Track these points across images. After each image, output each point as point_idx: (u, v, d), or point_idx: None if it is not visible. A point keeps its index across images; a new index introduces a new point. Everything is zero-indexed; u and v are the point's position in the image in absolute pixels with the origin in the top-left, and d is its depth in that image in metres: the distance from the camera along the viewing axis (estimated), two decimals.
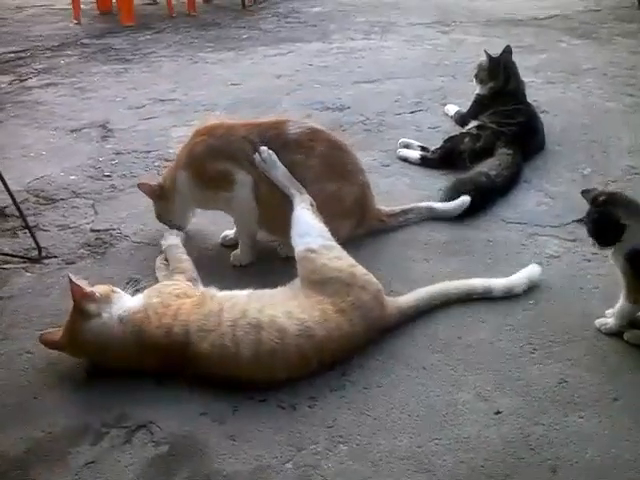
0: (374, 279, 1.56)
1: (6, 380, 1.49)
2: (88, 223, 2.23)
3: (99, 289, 1.47)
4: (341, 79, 3.75)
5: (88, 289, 1.45)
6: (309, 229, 1.64)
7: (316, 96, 3.47)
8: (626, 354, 1.42)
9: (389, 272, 1.74)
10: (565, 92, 3.15)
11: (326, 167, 1.86)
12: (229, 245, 2.01)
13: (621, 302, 1.45)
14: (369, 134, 2.86)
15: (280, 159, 1.82)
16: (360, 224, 1.94)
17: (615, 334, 1.48)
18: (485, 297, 1.62)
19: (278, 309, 1.42)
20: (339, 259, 1.58)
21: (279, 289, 1.55)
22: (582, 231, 1.91)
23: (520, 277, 1.62)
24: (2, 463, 1.26)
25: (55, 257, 2.02)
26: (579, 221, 1.97)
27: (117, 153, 2.83)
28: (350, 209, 1.90)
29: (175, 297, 1.46)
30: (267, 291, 1.53)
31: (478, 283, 1.62)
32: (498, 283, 1.61)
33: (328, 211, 1.76)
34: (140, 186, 2.06)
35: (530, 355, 1.45)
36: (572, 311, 1.56)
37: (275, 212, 1.83)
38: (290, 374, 1.39)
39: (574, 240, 1.89)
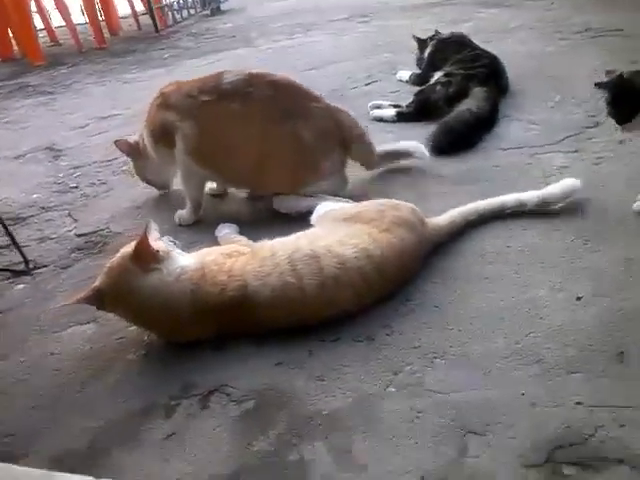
0: (403, 202, 1.52)
1: (40, 383, 1.32)
2: (70, 230, 2.06)
3: (158, 245, 1.33)
4: (285, 69, 3.72)
5: (153, 244, 1.31)
6: (326, 205, 1.64)
7: None
8: None
9: None
10: (504, 47, 3.25)
11: (271, 110, 1.76)
12: (217, 194, 2.03)
13: None
14: None
15: (218, 110, 1.76)
16: (346, 151, 1.84)
17: None
18: (519, 211, 1.59)
19: (328, 240, 1.35)
20: (361, 204, 1.57)
21: (317, 228, 1.48)
22: (581, 143, 1.99)
23: (553, 188, 1.60)
24: (70, 458, 1.09)
25: (45, 266, 1.84)
26: (573, 135, 2.03)
27: (76, 167, 2.66)
28: (319, 144, 1.78)
29: (227, 256, 1.35)
30: (310, 230, 1.46)
31: (510, 198, 1.60)
32: (531, 195, 1.59)
33: (292, 155, 1.73)
34: (117, 143, 2.08)
35: (584, 245, 1.44)
36: (605, 204, 1.57)
37: (232, 163, 1.79)
38: (356, 302, 1.30)
39: (576, 151, 1.92)
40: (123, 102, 3.68)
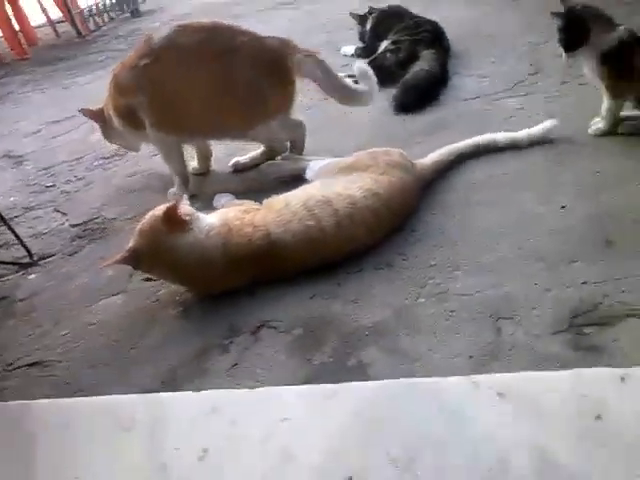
0: (390, 148, 1.67)
1: (91, 347, 1.39)
2: (62, 224, 2.09)
3: (186, 209, 1.42)
4: None
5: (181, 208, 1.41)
6: (318, 163, 1.76)
7: None
8: (626, 140, 1.67)
9: None
10: (434, 16, 3.46)
11: (205, 53, 1.78)
12: (241, 170, 2.07)
13: (606, 102, 1.69)
14: None
15: (160, 69, 1.81)
16: (288, 76, 1.85)
17: (607, 134, 1.72)
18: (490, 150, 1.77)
19: (335, 187, 1.48)
20: (355, 154, 1.69)
21: (317, 181, 1.61)
22: (529, 87, 2.20)
23: (530, 131, 1.75)
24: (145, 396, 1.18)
25: (52, 255, 1.87)
26: (520, 82, 2.25)
27: (45, 169, 2.65)
28: (258, 76, 1.80)
29: (244, 212, 1.46)
30: (313, 183, 1.58)
31: (482, 139, 1.77)
32: (503, 136, 1.76)
33: (235, 91, 1.76)
34: (81, 111, 2.17)
35: (558, 165, 1.64)
36: (566, 131, 1.77)
37: (191, 116, 1.82)
38: (370, 236, 1.45)
39: (526, 94, 2.14)
40: (72, 105, 3.62)
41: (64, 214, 2.15)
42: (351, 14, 3.17)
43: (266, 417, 0.99)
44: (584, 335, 1.09)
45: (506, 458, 0.82)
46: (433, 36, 2.62)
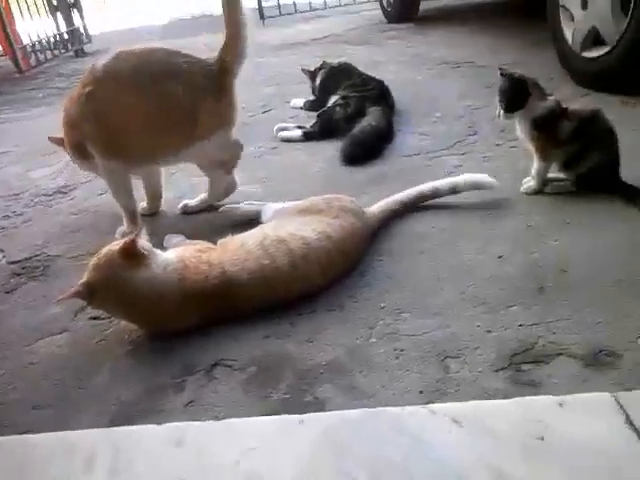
0: (342, 195, 1.76)
1: (31, 389, 1.34)
2: None
3: (143, 244, 1.41)
4: None
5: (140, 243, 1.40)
6: (272, 207, 1.83)
7: None
8: (552, 197, 1.85)
9: None
10: (379, 76, 3.69)
11: (142, 77, 1.82)
12: (190, 213, 2.09)
13: (536, 164, 1.86)
14: (237, 133, 3.02)
15: (101, 95, 1.84)
16: (222, 98, 1.88)
17: (537, 193, 1.89)
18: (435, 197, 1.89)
19: (289, 228, 1.54)
20: (308, 199, 1.77)
21: (274, 221, 1.66)
22: (467, 147, 2.38)
23: (467, 177, 1.87)
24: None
25: None
26: (459, 142, 2.43)
27: None
28: (191, 95, 1.83)
29: (200, 251, 1.48)
30: (267, 224, 1.64)
31: (425, 186, 1.89)
32: (444, 182, 1.88)
33: (170, 113, 1.81)
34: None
35: (493, 220, 1.78)
36: (500, 189, 1.92)
37: (132, 141, 1.86)
38: (324, 276, 1.50)
39: (464, 153, 2.31)
40: (8, 140, 3.56)
41: (1, 251, 2.07)
42: (302, 69, 3.33)
43: (233, 447, 1.00)
44: (523, 372, 1.18)
45: (466, 476, 0.87)
46: (379, 93, 2.80)
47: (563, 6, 2.89)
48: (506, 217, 1.78)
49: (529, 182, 1.90)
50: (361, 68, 3.21)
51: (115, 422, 1.17)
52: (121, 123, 1.84)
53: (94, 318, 1.57)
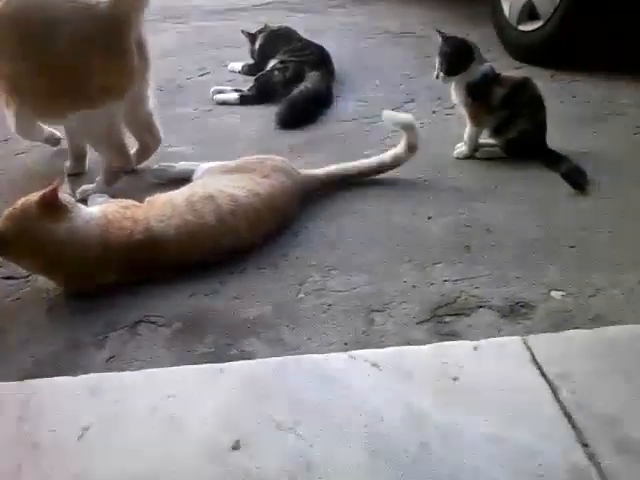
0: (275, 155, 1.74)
1: None
2: None
3: (64, 197, 1.34)
4: None
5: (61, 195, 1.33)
6: (204, 166, 1.77)
7: None
8: (483, 162, 1.89)
9: None
10: (320, 41, 3.64)
11: (21, 30, 1.57)
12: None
13: (468, 129, 1.89)
14: (173, 95, 2.93)
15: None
16: (119, 54, 1.58)
17: (468, 158, 1.93)
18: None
19: (218, 185, 1.51)
20: (241, 158, 1.74)
21: (204, 179, 1.62)
22: (406, 113, 2.39)
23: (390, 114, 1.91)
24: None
25: None
26: (397, 109, 2.44)
27: None
28: (79, 53, 1.56)
29: (124, 207, 1.43)
30: (198, 181, 1.60)
31: (371, 159, 1.86)
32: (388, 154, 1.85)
33: (50, 76, 1.55)
34: None
35: (424, 182, 1.81)
36: (433, 155, 1.95)
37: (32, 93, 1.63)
38: (251, 231, 1.48)
39: None
40: None
41: None
42: (242, 31, 3.24)
43: (151, 395, 0.98)
44: (444, 323, 1.21)
45: (380, 414, 0.90)
46: (319, 59, 2.76)
47: None
48: (438, 181, 1.82)
49: (461, 147, 1.93)
50: (302, 35, 3.16)
51: (28, 378, 1.12)
52: (23, 74, 1.61)
53: (8, 277, 1.49)
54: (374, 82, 2.82)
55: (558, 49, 2.65)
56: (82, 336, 1.26)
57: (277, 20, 4.58)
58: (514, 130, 1.83)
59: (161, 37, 4.47)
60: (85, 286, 1.38)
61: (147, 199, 1.53)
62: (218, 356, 1.17)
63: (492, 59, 2.84)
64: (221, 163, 1.75)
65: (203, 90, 2.89)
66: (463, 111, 1.89)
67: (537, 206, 1.62)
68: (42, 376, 1.13)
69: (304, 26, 4.32)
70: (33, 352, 1.22)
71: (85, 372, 1.13)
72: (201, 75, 3.28)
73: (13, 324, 1.32)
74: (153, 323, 1.28)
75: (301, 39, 2.97)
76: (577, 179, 1.71)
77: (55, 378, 1.06)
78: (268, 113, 2.53)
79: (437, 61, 1.84)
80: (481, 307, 1.25)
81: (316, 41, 3.11)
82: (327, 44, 3.16)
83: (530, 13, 2.76)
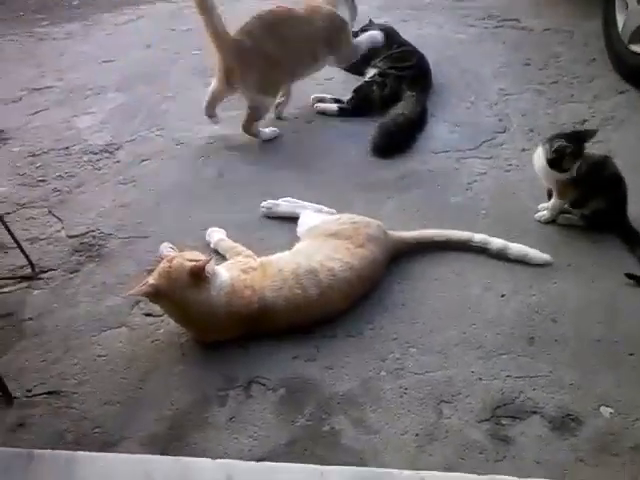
0: (371, 219, 1.93)
1: (102, 382, 1.64)
2: (58, 231, 2.24)
3: (210, 267, 1.65)
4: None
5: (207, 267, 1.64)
6: (309, 219, 2.00)
7: (200, 64, 3.53)
8: (563, 231, 2.02)
9: (363, 214, 2.00)
10: (421, 28, 3.62)
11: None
12: None
13: (554, 200, 2.00)
14: None
15: None
16: None
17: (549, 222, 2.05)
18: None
19: (319, 256, 1.76)
20: (338, 219, 1.96)
21: (306, 243, 1.87)
22: (496, 148, 2.48)
23: (521, 249, 1.91)
24: (156, 441, 1.46)
25: (53, 269, 2.06)
26: (488, 141, 2.53)
27: (32, 155, 2.73)
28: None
29: (244, 272, 1.72)
30: (300, 247, 1.85)
31: (478, 237, 1.96)
32: (496, 241, 1.93)
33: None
34: None
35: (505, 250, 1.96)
36: (515, 212, 2.09)
37: None
38: (345, 302, 1.74)
39: (490, 157, 2.43)
40: (50, 67, 3.62)
41: (59, 219, 2.30)
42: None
43: None
44: (502, 425, 1.45)
45: None
46: (418, 73, 2.83)
47: None
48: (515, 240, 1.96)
49: (544, 212, 2.05)
50: (402, 11, 3.14)
51: (171, 429, 1.48)
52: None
53: (148, 314, 1.84)
54: (469, 99, 2.87)
55: None
56: (208, 390, 1.59)
57: None
58: (590, 207, 1.93)
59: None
60: (209, 338, 1.71)
61: (261, 261, 1.80)
62: (314, 430, 1.47)
63: (595, 74, 2.83)
64: (322, 222, 1.95)
65: (305, 95, 3.03)
66: (548, 182, 1.99)
67: (607, 296, 1.76)
68: (181, 428, 1.49)
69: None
70: (172, 401, 1.57)
71: (212, 430, 1.47)
72: None
73: (155, 368, 1.67)
74: (263, 385, 1.60)
75: (401, 44, 3.00)
76: None
77: (199, 460, 1.39)
78: (363, 132, 2.68)
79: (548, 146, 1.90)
80: (535, 413, 1.47)
81: (422, 22, 3.08)
82: (425, 31, 3.17)
83: None
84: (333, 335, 1.72)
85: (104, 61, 3.68)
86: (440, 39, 3.41)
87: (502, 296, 1.80)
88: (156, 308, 1.84)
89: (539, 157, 1.95)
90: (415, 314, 1.77)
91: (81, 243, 2.18)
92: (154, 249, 2.08)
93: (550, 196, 2.03)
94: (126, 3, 4.73)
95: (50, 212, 2.35)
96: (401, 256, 1.95)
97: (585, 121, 2.59)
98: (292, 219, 2.09)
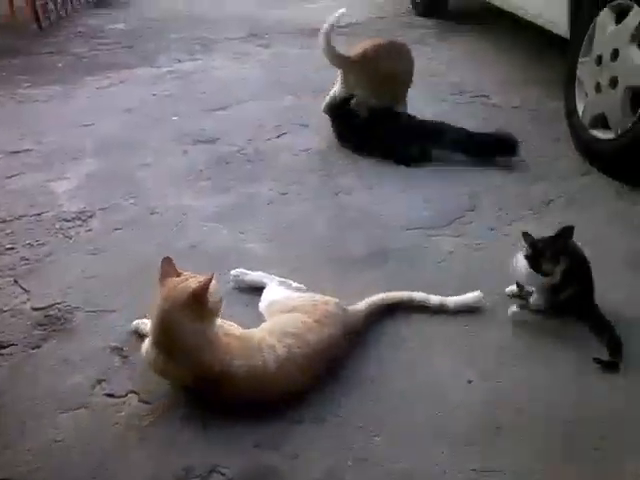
0: (330, 297, 1.95)
1: (53, 471, 1.58)
2: (24, 302, 2.20)
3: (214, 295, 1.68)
4: (193, 108, 3.92)
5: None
6: (271, 294, 2.03)
7: (179, 129, 3.62)
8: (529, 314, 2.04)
9: (331, 290, 2.03)
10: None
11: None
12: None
13: (535, 298, 1.99)
14: (253, 165, 3.15)
15: None
16: None
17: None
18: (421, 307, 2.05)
19: (277, 331, 1.78)
20: (299, 296, 2.00)
21: (269, 320, 1.90)
22: (465, 226, 2.53)
23: (457, 299, 2.03)
24: None
25: (14, 344, 2.00)
26: (458, 219, 2.59)
27: (3, 221, 2.72)
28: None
29: (225, 334, 1.74)
30: (264, 324, 1.88)
31: (417, 295, 2.05)
32: (434, 298, 2.04)
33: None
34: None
35: (469, 327, 1.98)
36: (483, 291, 2.11)
37: None
38: (306, 377, 1.74)
39: (459, 236, 2.48)
40: (29, 130, 3.67)
41: (25, 290, 2.26)
42: None
43: None
44: None
45: None
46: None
47: (579, 79, 2.96)
48: (484, 331, 1.98)
49: (515, 308, 2.02)
50: None
51: None
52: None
53: (110, 395, 1.79)
54: (441, 170, 2.96)
55: (628, 166, 2.69)
56: (167, 477, 1.54)
57: None
58: (564, 294, 1.92)
59: (244, 68, 4.69)
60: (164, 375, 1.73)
61: (242, 332, 1.80)
62: None
63: (559, 154, 2.95)
64: (283, 298, 1.98)
65: (278, 162, 3.11)
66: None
67: (573, 383, 1.76)
68: None
69: None
70: None
71: None
72: (278, 136, 3.47)
73: (112, 455, 1.61)
74: (223, 475, 1.55)
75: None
76: (613, 353, 1.83)
77: None
78: (336, 205, 2.74)
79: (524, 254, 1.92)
80: None
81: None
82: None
83: (603, 122, 2.79)
84: (299, 420, 1.69)
85: (83, 125, 3.75)
86: (414, 109, 3.53)
87: (469, 382, 1.80)
88: (118, 388, 1.80)
89: (517, 261, 1.95)
90: (381, 394, 1.76)
91: (46, 316, 2.13)
92: (120, 324, 2.05)
93: (519, 286, 2.05)
94: (109, 67, 4.86)
95: (16, 282, 2.31)
96: (362, 328, 1.95)
97: (551, 201, 2.67)
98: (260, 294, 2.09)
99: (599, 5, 2.71)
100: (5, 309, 2.18)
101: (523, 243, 1.92)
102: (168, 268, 1.73)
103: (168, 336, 1.67)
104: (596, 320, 1.94)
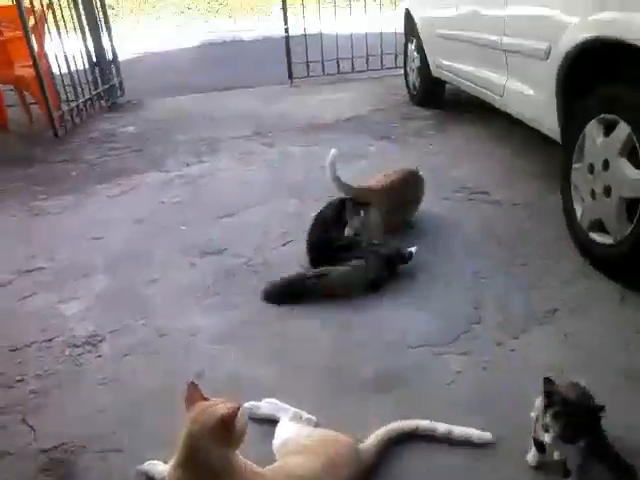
0: (341, 434, 1.92)
1: None
2: (29, 444, 2.18)
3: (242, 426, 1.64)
4: (200, 216, 4.01)
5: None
6: (283, 432, 1.99)
7: (187, 240, 3.69)
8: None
9: (341, 425, 1.99)
10: None
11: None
12: None
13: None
14: (259, 276, 3.19)
15: None
16: None
17: None
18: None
19: (291, 472, 1.75)
20: (309, 435, 1.95)
21: (281, 459, 1.86)
22: (471, 342, 2.51)
23: (464, 431, 1.98)
24: None
25: None
26: (464, 333, 2.57)
27: (14, 349, 2.74)
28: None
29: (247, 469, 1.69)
30: (275, 464, 1.83)
31: (423, 423, 2.01)
32: (441, 425, 1.99)
33: None
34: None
35: (473, 468, 1.93)
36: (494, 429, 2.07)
37: None
38: None
39: (465, 353, 2.44)
40: (41, 246, 3.76)
41: (32, 429, 2.24)
42: None
43: None
44: None
45: None
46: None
47: (574, 184, 3.02)
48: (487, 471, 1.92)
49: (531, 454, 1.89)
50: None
51: None
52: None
53: None
54: (444, 278, 2.97)
55: (630, 272, 2.70)
56: None
57: (356, 152, 4.83)
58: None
59: (250, 172, 4.84)
60: None
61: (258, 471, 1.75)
62: None
63: (562, 254, 2.96)
64: (295, 435, 1.94)
65: (284, 273, 3.14)
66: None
67: None
68: None
69: (380, 162, 4.55)
70: None
71: None
72: (284, 244, 3.51)
73: None
74: None
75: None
76: None
77: None
78: (343, 320, 2.74)
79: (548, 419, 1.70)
80: None
81: None
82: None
83: (602, 225, 2.82)
84: None
85: (94, 238, 3.84)
86: (422, 212, 3.62)
87: None
88: None
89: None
90: None
91: (50, 459, 2.11)
92: (127, 466, 2.02)
93: (538, 445, 1.86)
94: (119, 174, 5.04)
95: (24, 420, 2.30)
96: (374, 464, 1.92)
97: (556, 310, 2.66)
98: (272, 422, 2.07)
99: (586, 117, 2.80)
100: (11, 451, 2.16)
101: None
102: (194, 392, 1.72)
103: (194, 458, 1.63)
104: (598, 442, 1.76)
